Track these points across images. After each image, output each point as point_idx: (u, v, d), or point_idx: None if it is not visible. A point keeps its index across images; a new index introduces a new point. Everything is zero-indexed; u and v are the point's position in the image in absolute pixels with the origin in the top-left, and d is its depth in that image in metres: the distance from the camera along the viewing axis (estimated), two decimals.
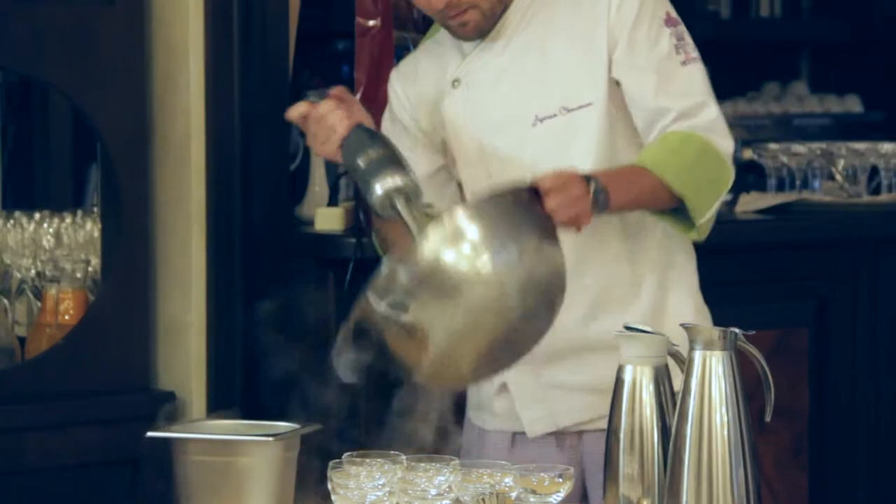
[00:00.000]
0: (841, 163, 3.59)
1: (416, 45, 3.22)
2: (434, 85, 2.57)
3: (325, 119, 2.39)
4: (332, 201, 3.31)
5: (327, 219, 3.23)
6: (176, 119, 3.06)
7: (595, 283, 2.50)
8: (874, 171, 3.58)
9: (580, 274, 2.44)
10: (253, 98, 3.13)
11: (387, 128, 2.60)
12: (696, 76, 2.50)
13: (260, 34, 3.14)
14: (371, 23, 3.22)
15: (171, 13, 3.05)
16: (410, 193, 2.32)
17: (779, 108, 5.27)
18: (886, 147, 3.54)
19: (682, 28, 2.52)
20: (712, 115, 2.48)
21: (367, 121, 2.41)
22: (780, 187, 3.66)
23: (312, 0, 3.61)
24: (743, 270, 3.42)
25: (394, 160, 2.35)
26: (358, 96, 3.20)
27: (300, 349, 2.37)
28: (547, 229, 2.27)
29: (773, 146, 3.70)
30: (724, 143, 2.47)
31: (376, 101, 3.17)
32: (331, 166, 3.40)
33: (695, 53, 2.52)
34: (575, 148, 2.48)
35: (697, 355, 1.98)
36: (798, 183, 3.67)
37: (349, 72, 3.37)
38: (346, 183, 3.36)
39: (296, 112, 2.42)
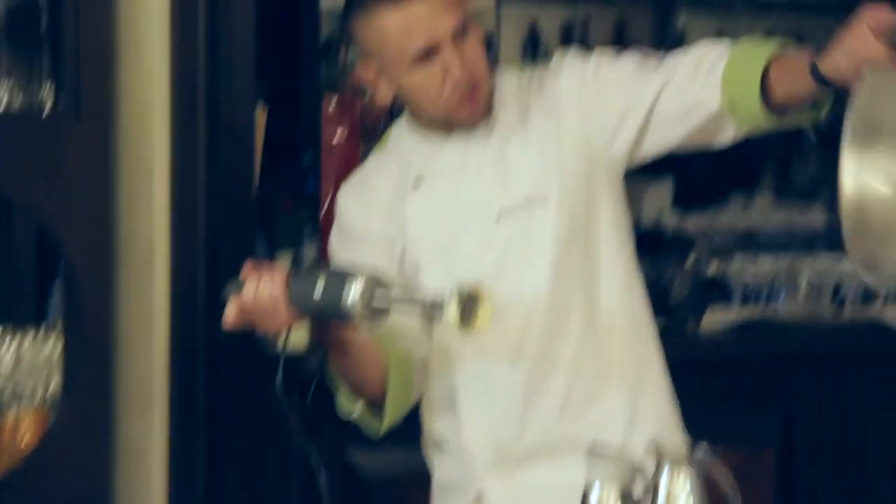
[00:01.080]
0: (805, 278, 3.60)
1: None
2: (391, 191, 2.57)
3: (259, 295, 2.34)
4: None
5: (292, 336, 3.20)
6: (141, 235, 3.05)
7: (567, 382, 2.50)
8: (838, 286, 3.60)
9: (551, 375, 2.46)
10: (219, 212, 3.13)
11: (336, 243, 2.59)
12: (672, 59, 2.50)
13: (226, 148, 3.14)
14: (337, 134, 3.23)
15: (139, 129, 3.05)
16: (382, 280, 2.32)
17: (744, 220, 5.30)
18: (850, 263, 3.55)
19: (631, 53, 2.56)
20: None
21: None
22: (745, 302, 3.67)
23: (279, 114, 3.63)
24: (708, 387, 3.42)
25: (341, 271, 2.34)
26: (324, 209, 3.21)
27: (264, 475, 2.35)
28: None
29: (737, 261, 3.71)
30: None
31: None
32: None
33: (655, 61, 2.53)
34: (535, 243, 2.49)
35: (664, 473, 2.00)
36: (763, 298, 3.68)
37: (315, 185, 3.38)
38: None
39: (231, 316, 2.36)
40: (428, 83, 2.48)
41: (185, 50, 3.10)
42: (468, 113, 2.52)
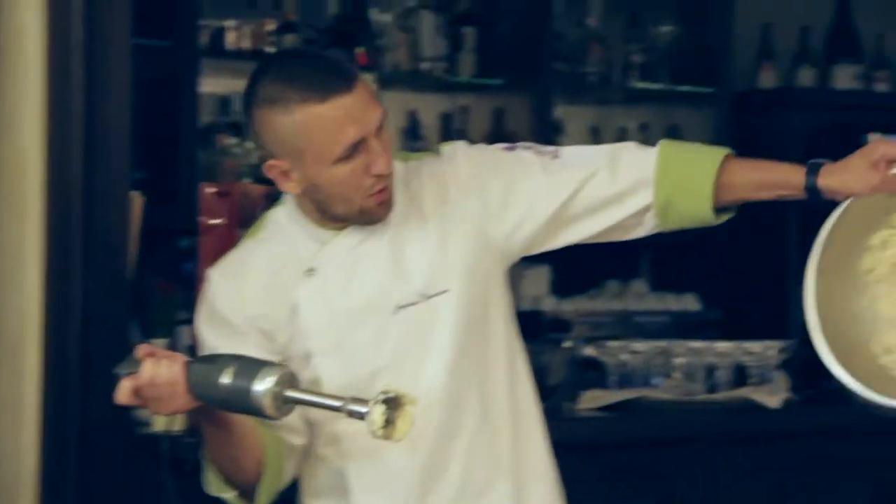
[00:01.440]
0: (679, 361, 3.65)
1: None
2: (271, 281, 2.51)
3: (157, 377, 2.30)
4: None
5: (168, 419, 3.18)
6: (10, 322, 3.02)
7: (462, 474, 2.50)
8: (711, 369, 3.65)
9: (447, 467, 2.47)
10: (93, 298, 3.11)
11: (205, 330, 2.53)
12: (576, 152, 2.54)
13: (101, 234, 3.13)
14: (215, 221, 3.23)
15: (12, 215, 3.03)
16: (293, 380, 2.29)
17: (619, 305, 5.36)
18: (722, 346, 3.61)
19: (521, 143, 2.57)
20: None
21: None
22: (621, 384, 3.71)
23: (156, 199, 3.62)
24: (584, 468, 3.43)
25: (252, 360, 2.29)
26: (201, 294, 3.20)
27: None
28: None
29: (613, 343, 3.75)
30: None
31: None
32: None
33: (551, 147, 2.56)
34: (433, 337, 2.47)
35: None
36: (638, 380, 3.72)
37: (191, 269, 3.36)
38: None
39: (125, 394, 2.33)
40: (349, 180, 2.42)
41: (60, 134, 3.09)
42: (383, 207, 2.47)
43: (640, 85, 5.53)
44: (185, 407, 2.32)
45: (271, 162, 2.44)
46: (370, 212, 2.47)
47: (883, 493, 3.73)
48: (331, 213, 2.48)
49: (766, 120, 5.70)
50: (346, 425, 2.41)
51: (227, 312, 2.51)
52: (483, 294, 2.51)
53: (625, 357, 3.68)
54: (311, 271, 2.50)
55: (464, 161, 2.53)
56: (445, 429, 2.47)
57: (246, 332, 2.50)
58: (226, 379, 2.27)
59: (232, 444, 2.44)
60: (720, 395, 3.60)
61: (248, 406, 2.26)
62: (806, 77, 5.98)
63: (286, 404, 2.28)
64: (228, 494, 2.52)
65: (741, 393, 3.59)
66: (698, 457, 3.52)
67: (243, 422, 2.42)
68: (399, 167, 2.54)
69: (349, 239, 2.52)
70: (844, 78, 6.02)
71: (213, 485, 2.53)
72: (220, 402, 2.30)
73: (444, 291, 2.48)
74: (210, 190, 3.24)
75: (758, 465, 3.60)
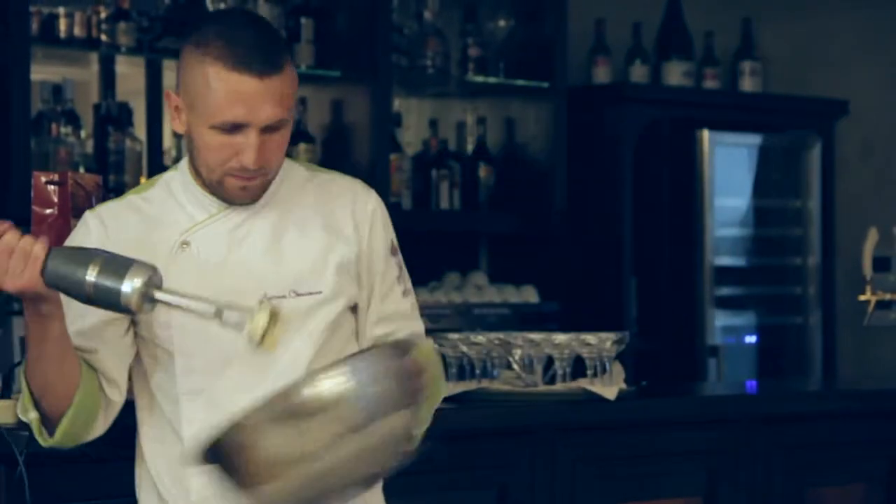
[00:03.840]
0: (518, 352, 3.67)
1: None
2: (144, 239, 2.53)
3: (17, 249, 2.31)
4: (5, 393, 3.20)
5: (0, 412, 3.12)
6: None
7: None
8: (550, 360, 3.67)
9: None
10: None
11: None
12: (412, 306, 2.70)
13: None
14: (48, 211, 3.17)
15: None
16: (160, 282, 2.31)
17: (459, 297, 5.39)
18: (560, 338, 3.64)
19: (400, 258, 2.68)
20: (419, 330, 2.69)
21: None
22: (461, 376, 3.72)
23: None
24: (422, 460, 3.44)
25: (119, 257, 2.30)
26: None
27: None
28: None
29: (453, 335, 3.76)
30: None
31: None
32: (4, 357, 3.30)
33: (409, 284, 2.70)
34: (300, 332, 2.52)
35: None
36: (478, 372, 3.74)
37: None
38: (22, 374, 3.26)
39: None
40: (216, 150, 2.47)
41: None
42: (244, 193, 2.52)
43: (477, 78, 5.57)
44: (31, 286, 2.33)
45: (171, 93, 2.53)
46: (228, 189, 2.52)
47: (715, 482, 3.80)
48: (198, 172, 2.53)
49: (599, 115, 5.78)
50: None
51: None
52: (346, 303, 2.59)
53: (464, 348, 3.69)
54: (185, 245, 2.53)
55: (374, 209, 2.63)
56: None
57: None
58: (91, 275, 2.29)
59: (51, 358, 2.45)
60: (559, 386, 3.63)
61: (112, 303, 2.29)
62: (638, 73, 6.08)
63: (152, 303, 2.31)
64: (32, 415, 2.52)
65: (579, 384, 3.62)
66: (538, 447, 3.55)
67: (66, 341, 2.44)
68: (301, 171, 2.63)
69: (230, 220, 2.55)
70: (675, 74, 6.14)
71: (21, 406, 2.53)
72: (78, 295, 2.31)
73: (317, 293, 2.55)
74: (43, 179, 3.17)
75: (595, 455, 3.64)
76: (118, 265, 2.29)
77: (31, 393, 2.53)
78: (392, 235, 2.68)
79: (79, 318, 2.51)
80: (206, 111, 2.46)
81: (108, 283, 2.28)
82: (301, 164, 2.69)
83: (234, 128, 2.46)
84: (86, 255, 2.30)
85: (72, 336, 2.50)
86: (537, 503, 3.57)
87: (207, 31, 2.49)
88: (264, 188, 2.55)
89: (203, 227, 2.55)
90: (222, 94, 2.44)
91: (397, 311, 2.67)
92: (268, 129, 2.47)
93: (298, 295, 2.54)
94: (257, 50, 2.45)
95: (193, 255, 2.53)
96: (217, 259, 2.54)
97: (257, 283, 2.52)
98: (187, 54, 2.50)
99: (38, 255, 2.33)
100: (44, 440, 2.56)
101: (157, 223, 2.56)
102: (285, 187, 2.60)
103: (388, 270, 2.65)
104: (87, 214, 2.59)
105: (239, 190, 2.52)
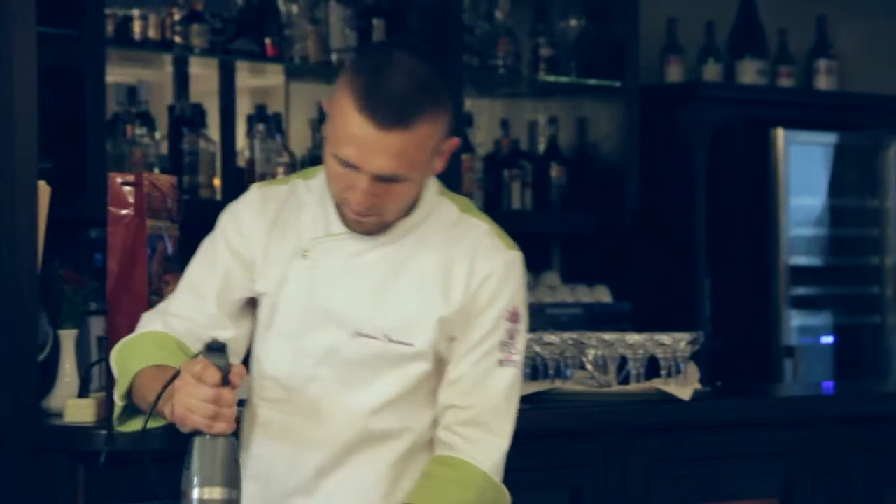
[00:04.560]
0: (592, 352, 3.66)
1: (170, 235, 3.20)
2: (281, 235, 2.57)
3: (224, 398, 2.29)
4: (83, 392, 3.23)
5: (78, 410, 3.14)
6: None
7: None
8: (623, 360, 3.66)
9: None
10: (1, 287, 3.06)
11: (223, 220, 2.62)
12: (503, 381, 2.58)
13: (9, 222, 3.08)
14: (124, 212, 3.19)
15: None
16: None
17: (532, 297, 5.37)
18: (634, 338, 3.62)
19: (520, 326, 2.60)
20: (497, 424, 2.58)
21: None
22: (534, 376, 3.71)
23: (64, 187, 3.57)
24: None
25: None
26: (112, 285, 3.16)
27: None
28: None
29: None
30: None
31: (130, 290, 3.13)
32: (82, 356, 3.33)
33: (516, 356, 2.59)
34: (381, 378, 2.54)
35: None
36: (551, 372, 3.73)
37: (102, 259, 3.32)
38: (100, 372, 3.29)
39: (209, 397, 2.28)
40: (334, 177, 2.48)
41: None
42: (355, 224, 2.53)
43: (549, 78, 5.55)
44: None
45: (327, 100, 2.52)
46: (345, 216, 2.53)
47: (792, 483, 3.77)
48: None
49: (672, 114, 5.75)
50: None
51: (238, 225, 2.59)
52: (434, 361, 2.57)
53: (537, 348, 3.68)
54: (306, 253, 2.55)
55: (492, 271, 2.56)
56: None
57: (235, 247, 2.58)
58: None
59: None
60: (633, 387, 3.62)
61: None
62: (711, 72, 6.04)
63: None
64: (120, 403, 2.53)
65: (653, 384, 3.60)
66: (611, 447, 3.53)
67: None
68: (452, 211, 2.60)
69: (352, 245, 2.55)
70: (749, 73, 6.09)
71: (117, 390, 2.53)
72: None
73: (409, 345, 2.54)
74: (119, 180, 3.19)
75: (669, 456, 3.62)
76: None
77: (129, 387, 2.53)
78: (517, 302, 2.59)
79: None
80: (332, 136, 2.47)
81: None
82: (457, 203, 2.64)
83: (348, 164, 2.45)
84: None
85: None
86: None
87: (366, 61, 2.48)
88: (383, 227, 2.54)
89: (327, 241, 2.56)
90: (344, 129, 2.43)
91: (484, 381, 2.58)
92: (382, 179, 2.45)
93: (390, 341, 2.53)
94: (391, 102, 2.41)
95: (308, 266, 2.55)
96: (326, 279, 2.55)
97: (354, 316, 2.53)
98: (343, 73, 2.50)
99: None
100: (118, 424, 2.58)
101: (302, 222, 2.58)
102: (428, 225, 2.58)
103: (494, 332, 2.57)
104: (253, 188, 2.64)
105: (354, 222, 2.53)
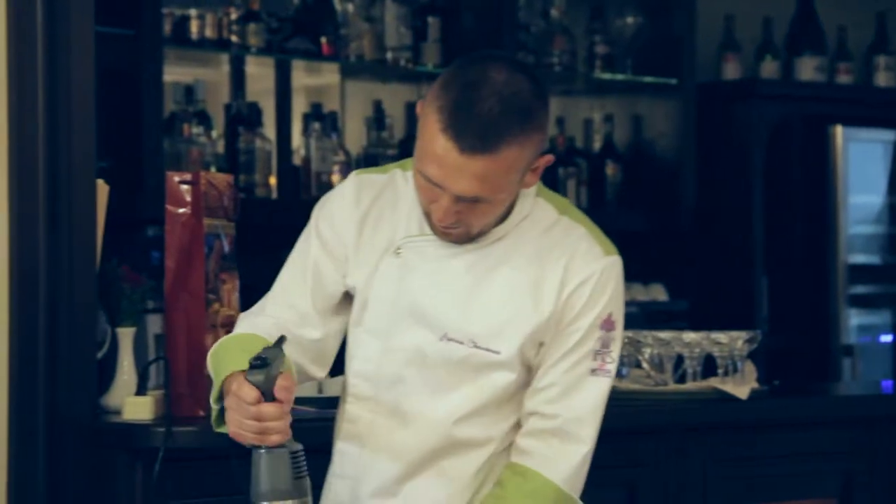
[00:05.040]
0: (648, 351, 3.64)
1: (226, 233, 3.22)
2: (372, 230, 2.55)
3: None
4: (141, 390, 3.25)
5: (136, 408, 3.16)
6: None
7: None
8: (679, 359, 3.64)
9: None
10: (60, 286, 3.08)
11: (316, 210, 2.60)
12: (594, 391, 2.53)
13: (66, 224, 3.10)
14: (181, 210, 3.20)
15: None
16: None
17: None
18: (691, 336, 3.60)
19: (616, 334, 2.55)
20: (581, 432, 2.55)
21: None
22: None
23: (122, 186, 3.59)
24: None
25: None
26: (169, 283, 3.18)
27: None
28: None
29: None
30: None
31: (187, 288, 3.15)
32: (140, 354, 3.35)
33: (610, 365, 2.54)
34: (465, 386, 2.51)
35: None
36: None
37: (159, 258, 3.34)
38: (157, 370, 3.31)
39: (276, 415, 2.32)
40: (420, 188, 2.45)
41: (24, 124, 3.06)
42: (441, 234, 2.49)
43: (604, 76, 5.53)
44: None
45: (420, 105, 2.45)
46: (430, 223, 2.49)
47: (851, 483, 3.74)
48: None
49: (729, 111, 5.71)
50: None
51: (330, 218, 2.56)
52: (521, 369, 2.54)
53: None
54: (399, 251, 2.52)
55: (588, 277, 2.52)
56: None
57: (326, 240, 2.56)
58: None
59: None
60: (689, 385, 3.60)
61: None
62: (769, 69, 6.00)
63: None
64: (216, 406, 2.50)
65: (710, 383, 3.58)
66: (667, 446, 3.52)
67: None
68: (550, 213, 2.56)
69: (445, 247, 2.52)
70: (807, 70, 6.04)
71: (213, 392, 2.51)
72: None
73: (496, 353, 2.50)
74: (176, 179, 3.21)
75: (726, 455, 3.60)
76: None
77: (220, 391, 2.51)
78: (612, 308, 2.54)
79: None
80: (418, 149, 2.43)
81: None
82: (554, 203, 2.60)
83: (430, 180, 2.42)
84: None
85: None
86: (667, 503, 3.54)
87: (459, 75, 2.40)
88: (470, 239, 2.50)
89: (420, 241, 2.53)
90: (428, 146, 2.38)
91: (573, 390, 2.53)
92: (463, 199, 2.41)
93: (476, 347, 2.49)
94: (477, 125, 2.35)
95: (399, 264, 2.52)
96: (417, 279, 2.51)
97: (441, 320, 2.50)
98: (437, 83, 2.42)
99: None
100: (217, 427, 2.53)
101: (396, 217, 2.55)
102: (523, 228, 2.53)
103: (586, 340, 2.52)
104: (353, 175, 2.60)
105: (440, 232, 2.50)
